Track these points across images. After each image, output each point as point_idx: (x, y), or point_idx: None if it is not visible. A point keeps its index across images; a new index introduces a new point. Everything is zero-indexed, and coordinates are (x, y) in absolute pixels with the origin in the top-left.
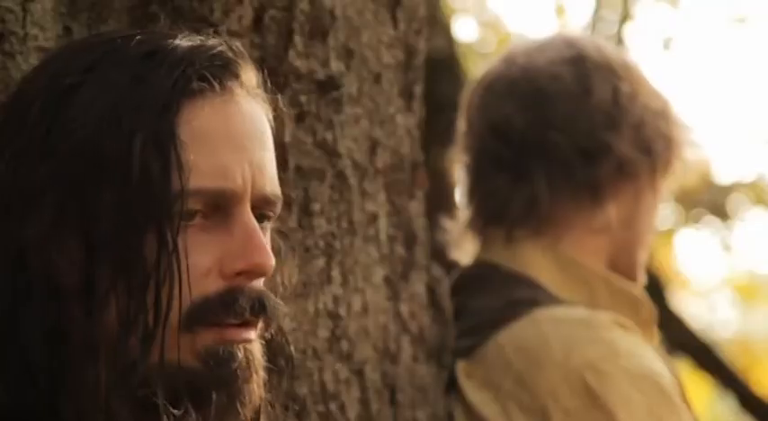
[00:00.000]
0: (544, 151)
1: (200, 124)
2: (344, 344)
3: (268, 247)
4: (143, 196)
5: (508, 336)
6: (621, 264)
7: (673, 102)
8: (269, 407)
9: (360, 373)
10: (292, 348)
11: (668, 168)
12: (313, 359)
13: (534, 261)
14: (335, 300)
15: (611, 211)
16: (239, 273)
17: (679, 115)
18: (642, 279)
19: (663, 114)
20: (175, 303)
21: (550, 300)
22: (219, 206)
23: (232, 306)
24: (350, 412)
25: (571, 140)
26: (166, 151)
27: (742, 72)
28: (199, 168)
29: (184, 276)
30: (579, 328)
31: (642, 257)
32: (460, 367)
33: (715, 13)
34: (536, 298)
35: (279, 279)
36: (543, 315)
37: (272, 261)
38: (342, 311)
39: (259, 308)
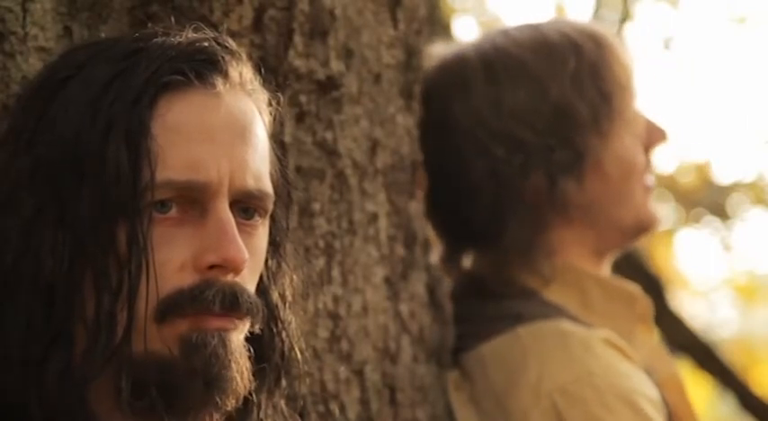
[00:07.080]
0: None
1: (174, 117)
2: (344, 344)
3: (240, 242)
4: (115, 189)
5: (491, 351)
6: (608, 229)
7: (672, 101)
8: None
9: (360, 373)
10: (296, 348)
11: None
12: (313, 359)
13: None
14: (335, 299)
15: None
16: (212, 267)
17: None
18: (649, 213)
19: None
20: (142, 296)
21: (539, 311)
22: (196, 200)
23: (200, 298)
24: (350, 412)
25: None
26: (137, 143)
27: (742, 72)
28: (169, 160)
29: (152, 269)
30: (558, 347)
31: (629, 207)
32: (451, 377)
33: (715, 13)
34: (522, 312)
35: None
36: (526, 331)
37: (245, 255)
38: (342, 311)
39: (230, 301)
